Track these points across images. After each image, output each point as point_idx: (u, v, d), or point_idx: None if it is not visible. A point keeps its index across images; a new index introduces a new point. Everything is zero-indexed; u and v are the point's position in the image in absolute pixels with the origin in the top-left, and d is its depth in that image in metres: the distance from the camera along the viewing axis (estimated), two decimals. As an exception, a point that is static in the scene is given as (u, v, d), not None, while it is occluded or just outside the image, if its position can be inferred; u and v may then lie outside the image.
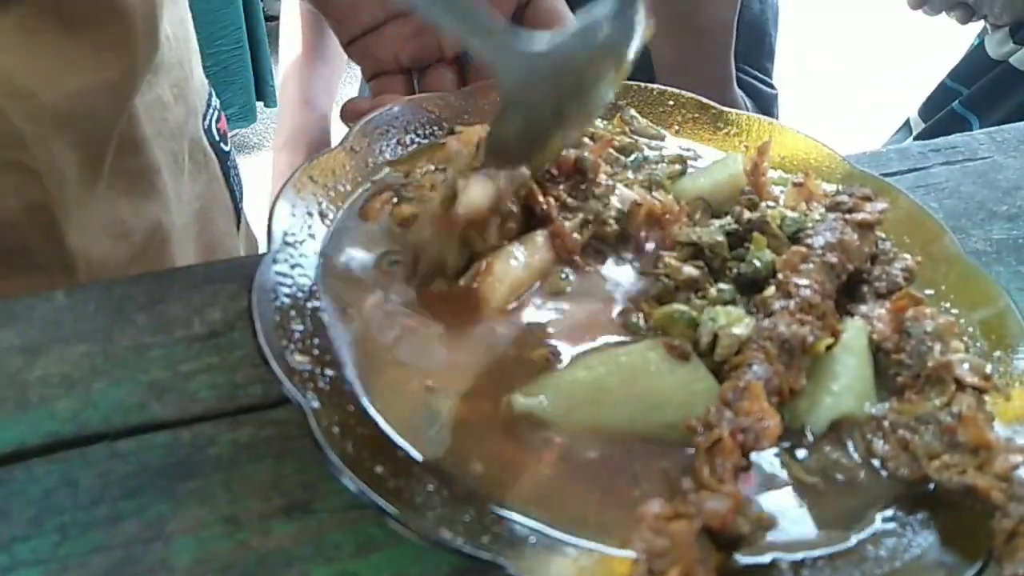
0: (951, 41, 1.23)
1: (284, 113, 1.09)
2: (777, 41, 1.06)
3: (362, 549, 0.32)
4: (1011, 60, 1.20)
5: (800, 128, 0.56)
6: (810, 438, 0.34)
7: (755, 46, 1.01)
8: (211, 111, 0.69)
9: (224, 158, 0.71)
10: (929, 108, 1.32)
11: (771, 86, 1.04)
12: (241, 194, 0.75)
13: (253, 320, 0.33)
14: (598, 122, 0.51)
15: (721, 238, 0.40)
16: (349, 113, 0.52)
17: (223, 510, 0.33)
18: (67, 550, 0.31)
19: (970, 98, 1.25)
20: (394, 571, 0.32)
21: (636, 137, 0.51)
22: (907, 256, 0.42)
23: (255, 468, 0.35)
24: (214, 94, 0.71)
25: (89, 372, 0.38)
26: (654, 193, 0.44)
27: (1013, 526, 0.27)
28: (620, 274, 0.40)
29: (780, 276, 0.37)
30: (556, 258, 0.39)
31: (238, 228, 0.74)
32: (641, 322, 0.38)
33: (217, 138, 0.69)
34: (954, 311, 0.41)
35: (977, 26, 1.27)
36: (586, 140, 0.47)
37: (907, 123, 1.36)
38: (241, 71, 2.42)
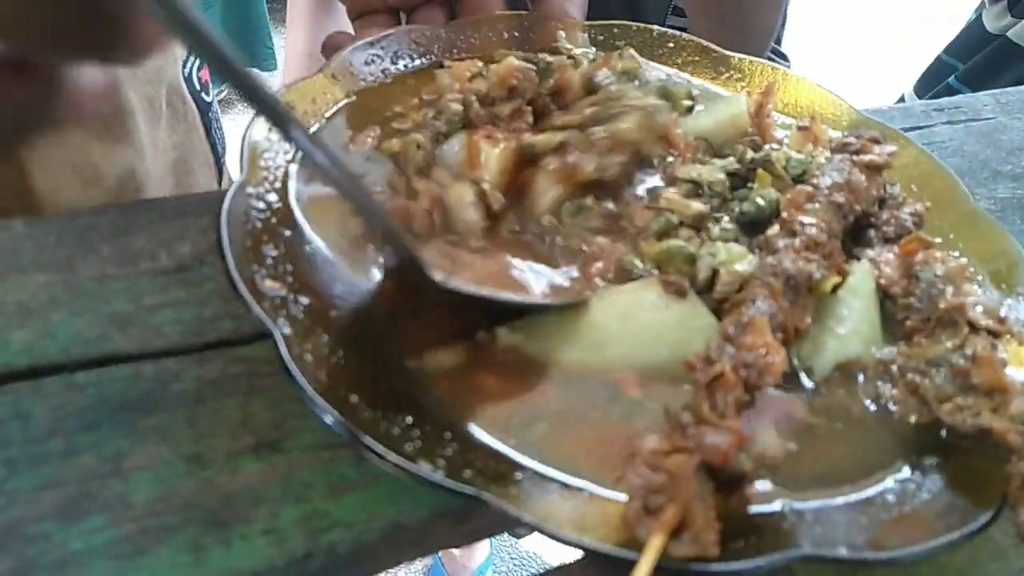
0: (949, 15, 1.21)
1: (288, 65, 1.07)
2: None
3: (334, 489, 0.30)
4: (1008, 34, 1.18)
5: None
6: (814, 382, 0.32)
7: None
8: (192, 58, 0.66)
9: (205, 109, 0.68)
10: (925, 83, 1.30)
11: (784, 56, 1.01)
12: (224, 149, 0.72)
13: (222, 245, 0.30)
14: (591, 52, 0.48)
15: (722, 176, 0.37)
16: (330, 47, 0.49)
17: (187, 448, 0.31)
18: (15, 485, 0.29)
19: (966, 72, 1.24)
20: (368, 512, 0.30)
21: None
22: (916, 202, 0.40)
23: (222, 405, 0.32)
24: None
25: (47, 302, 0.35)
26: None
27: (1030, 469, 0.26)
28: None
29: (785, 215, 0.35)
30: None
31: (219, 184, 0.71)
32: (638, 262, 0.35)
33: (198, 87, 0.67)
34: (963, 260, 0.40)
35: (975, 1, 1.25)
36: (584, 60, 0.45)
37: (902, 99, 1.34)
38: (229, 35, 2.38)
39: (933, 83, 1.28)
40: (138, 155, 0.58)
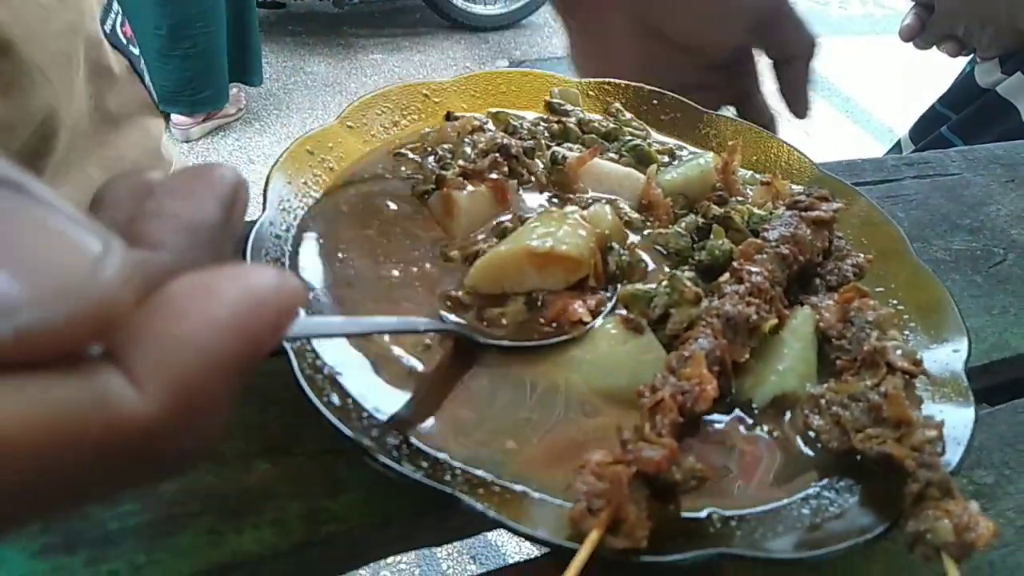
0: (947, 66, 1.26)
1: None
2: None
3: (334, 488, 0.35)
4: (998, 89, 1.23)
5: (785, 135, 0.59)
6: (756, 411, 0.37)
7: None
8: (112, 15, 0.69)
9: (136, 61, 0.71)
10: (919, 130, 1.35)
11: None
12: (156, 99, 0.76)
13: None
14: (582, 113, 0.54)
15: (685, 243, 0.43)
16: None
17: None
18: (64, 472, 0.34)
19: (958, 123, 1.28)
20: (362, 510, 0.35)
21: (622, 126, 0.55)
22: (860, 254, 0.45)
23: (242, 412, 0.37)
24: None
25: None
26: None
27: (920, 489, 0.30)
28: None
29: (735, 264, 0.40)
30: None
31: (167, 126, 0.74)
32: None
33: (124, 41, 0.70)
34: (900, 307, 0.44)
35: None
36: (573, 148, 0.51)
37: (898, 144, 1.39)
38: (216, 54, 2.47)
39: (927, 131, 1.33)
40: (53, 101, 0.60)
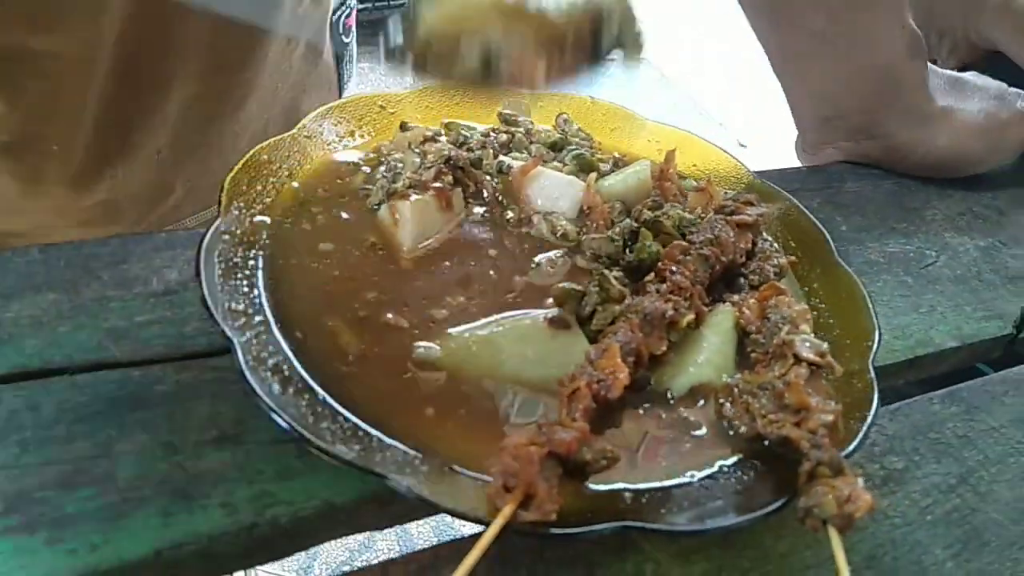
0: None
1: None
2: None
3: (281, 475, 0.38)
4: None
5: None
6: (672, 400, 0.40)
7: None
8: (342, 7, 0.81)
9: (342, 48, 0.83)
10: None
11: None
12: (349, 76, 0.87)
13: (199, 275, 0.38)
14: (530, 122, 0.57)
15: (615, 247, 0.46)
16: None
17: (164, 437, 0.38)
18: (27, 460, 0.36)
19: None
20: (307, 495, 0.37)
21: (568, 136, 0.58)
22: (782, 255, 0.48)
23: (195, 404, 0.40)
24: None
25: (55, 317, 0.43)
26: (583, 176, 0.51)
27: (811, 467, 0.33)
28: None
29: (660, 264, 0.43)
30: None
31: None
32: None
33: (341, 31, 0.82)
34: (821, 305, 0.47)
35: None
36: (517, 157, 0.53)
37: None
38: None
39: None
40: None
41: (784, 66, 0.71)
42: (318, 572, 1.72)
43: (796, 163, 0.82)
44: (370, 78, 3.46)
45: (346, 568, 1.74)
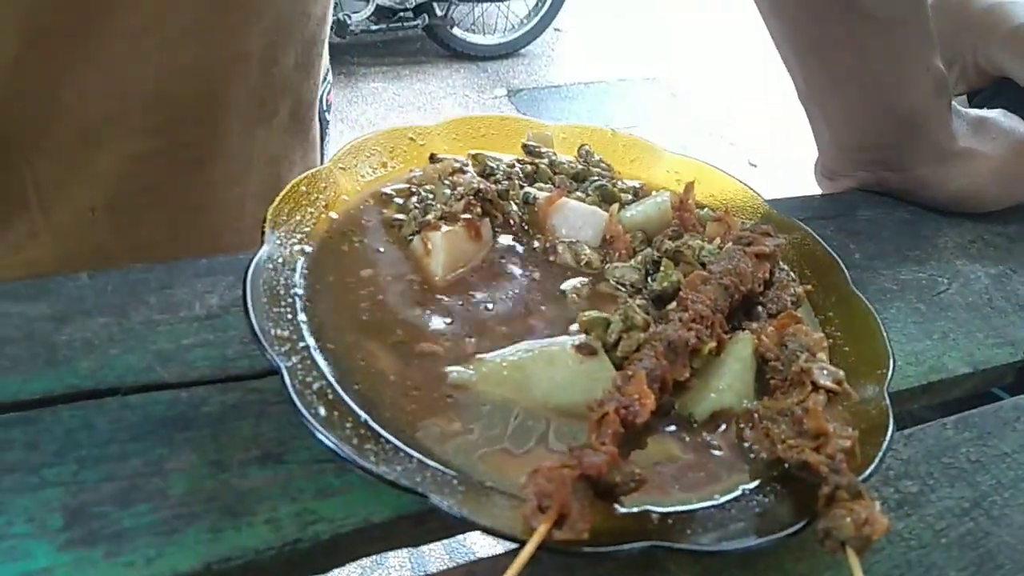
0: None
1: None
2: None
3: (321, 493, 0.40)
4: None
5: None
6: (695, 425, 0.41)
7: None
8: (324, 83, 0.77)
9: (325, 126, 0.80)
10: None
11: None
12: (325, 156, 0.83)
13: (245, 299, 0.40)
14: (553, 153, 0.59)
15: (638, 276, 0.48)
16: None
17: (211, 455, 0.40)
18: (84, 477, 0.38)
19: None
20: (347, 512, 0.39)
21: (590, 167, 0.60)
22: (799, 284, 0.50)
23: (239, 425, 0.42)
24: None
25: (107, 340, 0.45)
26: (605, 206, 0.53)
27: (830, 491, 0.35)
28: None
29: (682, 293, 0.45)
30: None
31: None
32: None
33: (325, 107, 0.79)
34: (837, 333, 0.49)
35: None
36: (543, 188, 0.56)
37: None
38: None
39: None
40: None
41: (809, 97, 0.73)
42: (343, 591, 1.76)
43: (806, 180, 0.84)
44: (383, 97, 3.52)
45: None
